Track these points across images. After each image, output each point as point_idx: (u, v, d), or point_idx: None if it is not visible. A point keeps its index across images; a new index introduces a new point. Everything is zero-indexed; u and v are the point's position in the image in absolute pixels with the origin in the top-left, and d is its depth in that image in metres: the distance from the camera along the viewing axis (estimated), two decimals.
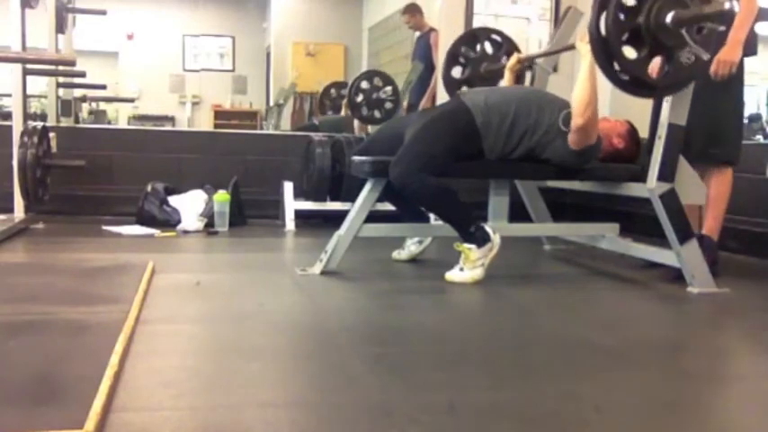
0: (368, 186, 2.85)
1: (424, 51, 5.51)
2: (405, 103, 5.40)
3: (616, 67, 2.44)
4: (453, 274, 2.74)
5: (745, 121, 5.76)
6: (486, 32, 3.73)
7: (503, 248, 2.77)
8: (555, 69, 3.81)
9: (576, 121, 2.69)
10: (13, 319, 1.98)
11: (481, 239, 2.73)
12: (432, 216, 3.25)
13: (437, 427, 1.35)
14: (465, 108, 2.80)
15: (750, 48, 2.88)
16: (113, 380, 1.46)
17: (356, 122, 5.52)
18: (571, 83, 3.29)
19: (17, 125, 3.89)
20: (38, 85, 5.38)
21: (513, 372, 1.75)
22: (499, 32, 3.70)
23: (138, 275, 2.51)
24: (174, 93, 7.72)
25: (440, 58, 4.93)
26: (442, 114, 2.89)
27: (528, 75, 3.69)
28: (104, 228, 3.89)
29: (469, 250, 2.72)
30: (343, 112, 6.38)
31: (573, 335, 2.12)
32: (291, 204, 4.30)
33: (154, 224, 3.98)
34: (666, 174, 2.67)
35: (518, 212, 3.34)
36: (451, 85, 3.63)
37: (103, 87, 5.61)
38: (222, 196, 4.04)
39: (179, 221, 4.01)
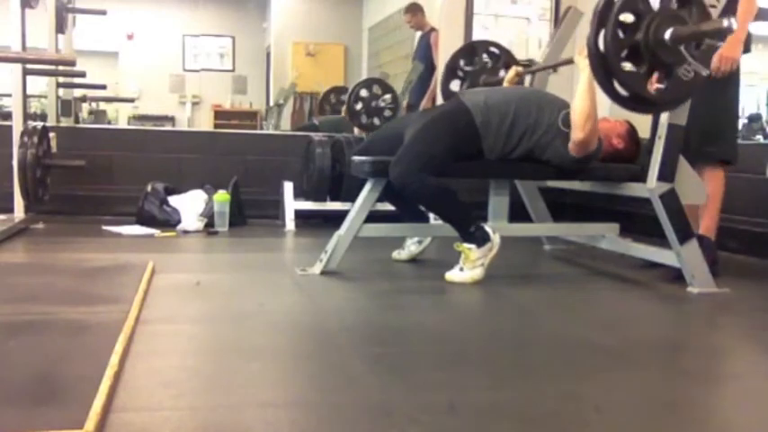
0: (368, 186, 2.85)
1: (424, 51, 5.51)
2: (404, 103, 5.40)
3: (615, 83, 2.44)
4: (453, 274, 2.74)
5: (745, 120, 5.78)
6: (484, 45, 3.74)
7: (503, 248, 2.77)
8: (554, 69, 3.81)
9: (577, 134, 2.70)
10: (13, 319, 1.98)
11: (481, 239, 2.73)
12: (431, 216, 3.25)
13: (437, 427, 1.35)
14: (465, 108, 2.80)
15: (744, 45, 2.88)
16: (113, 380, 1.46)
17: None
18: (571, 83, 3.31)
19: (17, 125, 3.89)
20: (38, 85, 5.38)
21: (513, 372, 1.75)
22: (497, 45, 3.71)
23: (138, 275, 2.51)
24: (174, 93, 7.72)
25: (440, 58, 4.94)
26: (441, 114, 2.89)
27: (527, 75, 3.69)
28: (104, 228, 3.89)
29: (469, 250, 2.72)
30: (343, 113, 6.38)
31: (573, 335, 2.12)
32: (291, 204, 4.30)
33: (154, 224, 3.98)
34: (666, 174, 2.67)
35: (518, 212, 3.34)
36: (449, 98, 3.63)
37: (103, 87, 5.61)
38: (222, 196, 4.04)
39: (179, 221, 4.01)
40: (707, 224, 2.95)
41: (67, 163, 4.17)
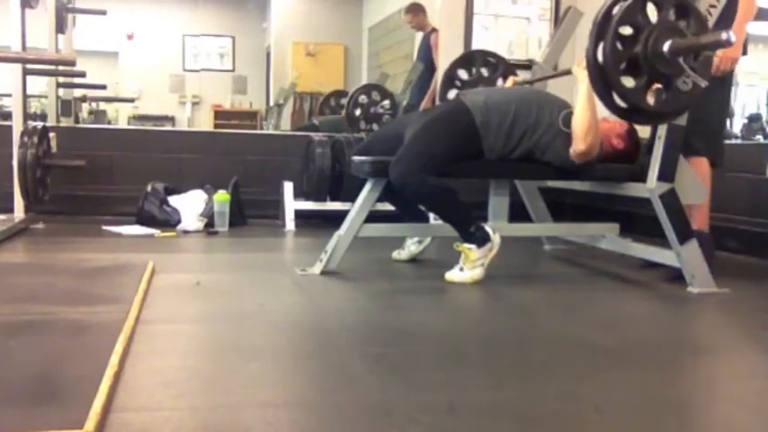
0: (368, 186, 2.85)
1: (425, 52, 5.51)
2: (404, 103, 5.40)
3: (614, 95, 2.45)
4: (453, 274, 2.74)
5: (745, 120, 5.78)
6: (481, 55, 3.76)
7: (503, 248, 2.77)
8: (555, 69, 3.81)
9: (578, 146, 2.71)
10: (13, 319, 1.98)
11: (481, 239, 2.73)
12: (431, 216, 3.25)
13: (437, 427, 1.35)
14: (465, 108, 2.80)
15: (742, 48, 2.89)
16: (113, 380, 1.46)
17: None
18: (571, 83, 3.30)
19: (17, 125, 3.89)
20: (38, 85, 5.38)
21: (513, 372, 1.75)
22: (495, 54, 3.72)
23: (138, 275, 2.51)
24: (174, 93, 7.71)
25: (440, 59, 4.94)
26: (441, 114, 2.89)
27: (528, 75, 3.70)
28: (104, 228, 3.89)
29: (469, 250, 2.72)
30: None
31: (573, 335, 2.12)
32: (291, 204, 4.30)
33: (154, 224, 3.98)
34: (666, 174, 2.67)
35: (518, 212, 3.34)
36: None
37: (103, 87, 5.61)
38: (222, 196, 4.04)
39: (179, 221, 4.01)
40: (699, 218, 2.94)
41: (67, 163, 4.18)
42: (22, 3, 3.81)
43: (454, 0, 4.91)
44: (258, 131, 7.07)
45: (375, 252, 3.25)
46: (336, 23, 7.81)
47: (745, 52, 2.95)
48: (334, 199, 4.31)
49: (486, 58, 3.70)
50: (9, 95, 4.12)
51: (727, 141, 4.84)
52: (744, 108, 5.80)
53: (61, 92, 5.14)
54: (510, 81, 3.45)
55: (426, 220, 3.21)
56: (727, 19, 2.68)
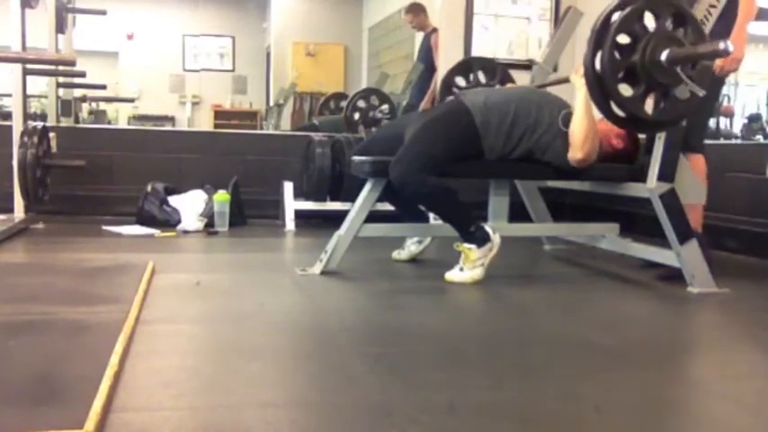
0: (368, 186, 2.85)
1: (425, 52, 5.51)
2: (404, 103, 5.41)
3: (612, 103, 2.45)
4: (453, 274, 2.74)
5: (745, 120, 5.77)
6: (479, 61, 3.76)
7: (503, 248, 2.77)
8: (555, 69, 3.81)
9: (576, 154, 2.73)
10: (13, 319, 1.99)
11: (481, 239, 2.73)
12: (431, 216, 3.25)
13: (437, 427, 1.35)
14: (465, 108, 2.80)
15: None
16: (113, 380, 1.46)
17: None
18: (571, 84, 3.30)
19: (17, 125, 3.89)
20: (38, 85, 5.37)
21: (513, 372, 1.75)
22: (492, 61, 3.72)
23: (138, 275, 2.51)
24: (174, 93, 7.71)
25: (440, 59, 4.95)
26: (441, 114, 2.89)
27: (527, 77, 3.70)
28: (104, 228, 3.89)
29: (469, 250, 2.72)
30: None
31: (573, 335, 2.12)
32: (291, 204, 4.30)
33: (154, 224, 3.98)
34: (666, 174, 2.67)
35: (518, 212, 3.34)
36: None
37: (103, 87, 5.61)
38: (222, 196, 4.04)
39: (179, 221, 4.01)
40: (693, 218, 2.93)
41: (67, 163, 4.17)
42: (22, 3, 3.81)
43: (454, 0, 4.91)
44: (258, 131, 7.07)
45: (375, 252, 3.25)
46: (336, 23, 7.81)
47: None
48: (334, 199, 4.31)
49: (483, 64, 3.71)
50: (9, 95, 4.12)
51: (727, 141, 4.87)
52: (744, 108, 5.79)
53: (61, 92, 5.13)
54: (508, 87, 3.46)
55: (426, 220, 3.21)
56: (726, 19, 2.68)
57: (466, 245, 2.73)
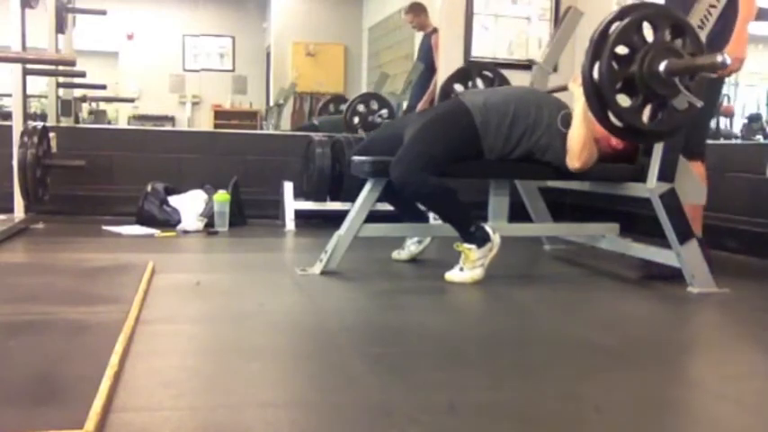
0: (368, 186, 2.85)
1: (426, 52, 5.50)
2: (405, 104, 5.41)
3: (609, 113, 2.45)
4: (453, 274, 2.74)
5: (745, 120, 5.77)
6: (477, 68, 3.76)
7: (503, 248, 2.77)
8: (555, 69, 3.81)
9: (573, 163, 2.75)
10: (13, 319, 1.99)
11: (481, 239, 2.73)
12: (431, 216, 3.25)
13: (437, 427, 1.35)
14: (464, 108, 2.80)
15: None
16: (113, 380, 1.46)
17: None
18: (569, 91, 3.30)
19: (17, 125, 3.89)
20: (38, 85, 5.38)
21: (513, 372, 1.75)
22: (491, 68, 3.73)
23: (138, 275, 2.51)
24: (174, 93, 7.71)
25: (440, 59, 4.95)
26: (441, 114, 2.89)
27: (528, 76, 3.70)
28: (104, 228, 3.89)
29: (469, 250, 2.72)
30: None
31: (573, 335, 2.12)
32: (291, 204, 4.30)
33: (154, 224, 3.98)
34: (666, 174, 2.67)
35: (518, 212, 3.34)
36: None
37: (103, 87, 5.61)
38: (222, 196, 4.04)
39: (179, 221, 4.01)
40: (692, 217, 2.94)
41: (67, 163, 4.17)
42: (22, 3, 3.81)
43: (454, 0, 4.91)
44: (258, 131, 7.08)
45: (375, 252, 3.25)
46: (336, 23, 7.81)
47: None
48: (334, 199, 4.31)
49: (481, 71, 3.71)
50: (9, 95, 4.12)
51: (727, 141, 4.86)
52: (744, 108, 5.79)
53: (61, 92, 5.14)
54: None
55: (426, 220, 3.21)
56: (726, 19, 2.68)
57: (466, 245, 2.73)
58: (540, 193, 3.57)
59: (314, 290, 2.59)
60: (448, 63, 4.65)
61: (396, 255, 3.23)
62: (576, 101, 2.73)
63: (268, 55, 7.85)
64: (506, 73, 3.78)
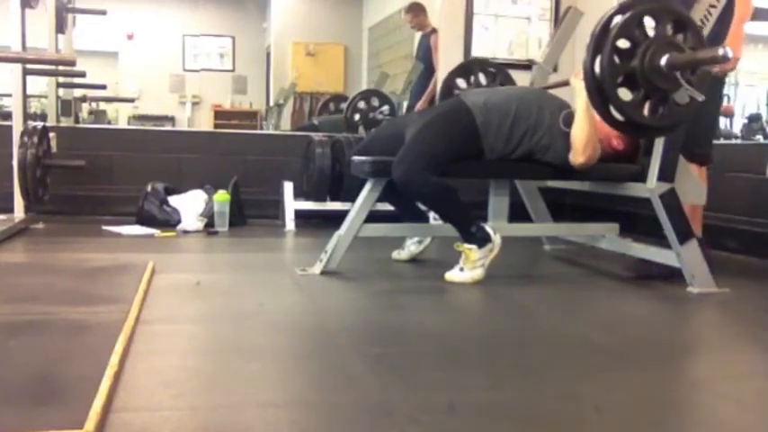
0: (368, 186, 2.84)
1: (424, 53, 5.51)
2: (405, 104, 5.41)
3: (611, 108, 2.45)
4: (453, 275, 2.74)
5: (745, 120, 5.78)
6: (480, 64, 3.75)
7: (503, 248, 2.77)
8: (555, 69, 3.81)
9: (577, 159, 2.74)
10: (13, 319, 1.98)
11: (482, 240, 2.73)
12: (431, 216, 3.25)
13: (437, 427, 1.35)
14: (465, 108, 2.80)
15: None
16: (113, 380, 1.46)
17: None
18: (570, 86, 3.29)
19: (17, 125, 3.89)
20: (38, 85, 5.37)
21: (513, 372, 1.75)
22: (493, 64, 3.72)
23: (138, 275, 2.51)
24: (174, 93, 7.71)
25: (440, 60, 4.95)
26: (442, 114, 2.89)
27: (528, 75, 3.70)
28: (104, 228, 3.89)
29: (470, 250, 2.72)
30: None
31: (573, 335, 2.12)
32: (291, 204, 4.30)
33: (154, 224, 3.98)
34: (666, 174, 2.67)
35: (518, 212, 3.34)
36: None
37: (103, 87, 5.61)
38: (222, 196, 4.04)
39: (179, 221, 4.01)
40: (692, 217, 2.94)
41: (67, 163, 4.17)
42: (22, 3, 3.81)
43: (454, 0, 4.91)
44: (258, 131, 7.07)
45: (375, 252, 3.25)
46: (336, 23, 7.81)
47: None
48: (334, 199, 4.31)
49: (484, 66, 3.71)
50: (9, 95, 4.12)
51: (727, 141, 4.86)
52: (744, 108, 5.79)
53: (61, 92, 5.13)
54: None
55: (426, 220, 3.21)
56: (725, 19, 2.69)
57: (466, 245, 2.73)
58: (540, 193, 3.57)
59: (314, 290, 2.59)
60: (448, 63, 4.64)
61: (396, 255, 3.22)
62: (578, 95, 2.72)
63: (268, 55, 7.85)
64: None
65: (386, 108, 5.13)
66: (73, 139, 4.45)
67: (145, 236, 3.77)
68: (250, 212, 4.37)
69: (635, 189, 2.84)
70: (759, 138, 5.57)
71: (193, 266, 3.23)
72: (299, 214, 4.29)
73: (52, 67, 4.46)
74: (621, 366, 1.83)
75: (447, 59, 4.76)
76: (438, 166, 2.71)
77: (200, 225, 3.99)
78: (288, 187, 4.35)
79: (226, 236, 3.93)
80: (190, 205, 4.10)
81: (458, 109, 2.83)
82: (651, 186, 2.68)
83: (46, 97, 5.23)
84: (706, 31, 2.54)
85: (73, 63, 3.63)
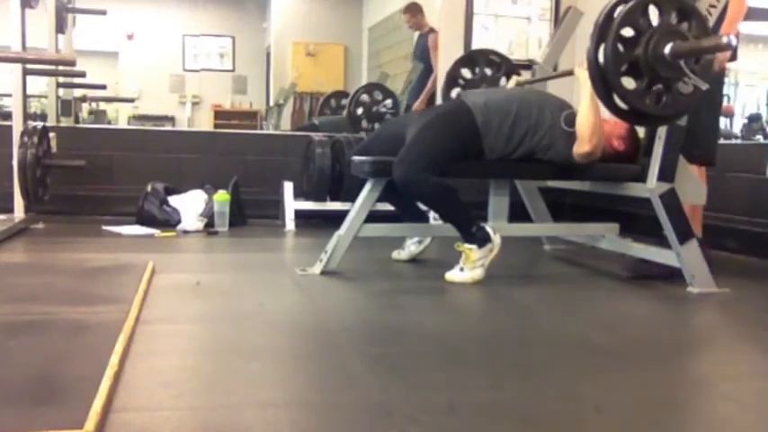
0: (368, 186, 2.84)
1: (422, 52, 5.51)
2: (404, 104, 5.40)
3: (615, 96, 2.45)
4: (453, 275, 2.74)
5: (745, 120, 5.77)
6: (484, 54, 3.74)
7: (503, 248, 2.77)
8: (555, 69, 3.81)
9: (583, 147, 2.73)
10: (13, 319, 1.99)
11: (482, 240, 2.73)
12: (431, 216, 3.25)
13: (437, 427, 1.35)
14: (466, 108, 2.80)
15: (732, 53, 2.87)
16: (113, 380, 1.46)
17: None
18: (570, 83, 3.30)
19: (17, 125, 3.89)
20: (38, 85, 5.37)
21: (513, 372, 1.75)
22: (498, 53, 3.71)
23: (138, 275, 2.51)
24: (174, 93, 7.71)
25: (439, 59, 4.94)
26: (443, 114, 2.89)
27: (529, 75, 3.69)
28: (104, 228, 3.89)
29: (470, 250, 2.72)
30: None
31: (573, 335, 2.12)
32: (291, 204, 4.30)
33: (154, 224, 3.98)
34: (666, 174, 2.67)
35: (518, 212, 3.34)
36: None
37: (103, 87, 5.61)
38: (222, 196, 4.04)
39: (179, 221, 4.01)
40: (692, 218, 2.94)
41: (67, 163, 4.17)
42: (22, 3, 3.81)
43: (454, 0, 4.91)
44: (258, 131, 7.07)
45: (375, 252, 3.25)
46: (336, 23, 7.81)
47: (735, 57, 2.94)
48: (334, 199, 4.31)
49: (489, 57, 3.69)
50: (9, 95, 4.12)
51: (727, 141, 4.86)
52: (744, 108, 5.79)
53: (61, 92, 5.14)
54: (513, 80, 3.45)
55: (426, 220, 3.21)
56: (721, 20, 2.68)
57: (466, 245, 2.73)
58: (540, 193, 3.57)
59: (314, 290, 2.59)
60: (448, 63, 4.64)
61: (396, 255, 3.22)
62: (583, 85, 2.72)
63: (268, 55, 7.85)
64: None
65: (389, 101, 5.12)
66: (73, 139, 4.45)
67: (145, 236, 3.77)
68: (250, 212, 4.37)
69: (635, 189, 2.84)
70: (759, 138, 5.57)
71: (193, 266, 3.23)
72: (299, 214, 4.29)
73: (52, 67, 4.47)
74: (621, 366, 1.83)
75: (447, 59, 4.75)
76: (438, 166, 2.71)
77: (200, 225, 3.99)
78: (288, 187, 4.35)
79: (226, 236, 3.93)
80: (190, 205, 4.10)
81: (458, 109, 2.84)
82: (651, 186, 2.68)
83: (46, 97, 5.23)
84: None
85: (73, 63, 3.63)
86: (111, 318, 1.94)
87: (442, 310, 2.49)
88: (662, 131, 2.67)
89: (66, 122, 5.04)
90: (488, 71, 3.64)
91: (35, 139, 3.79)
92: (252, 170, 4.59)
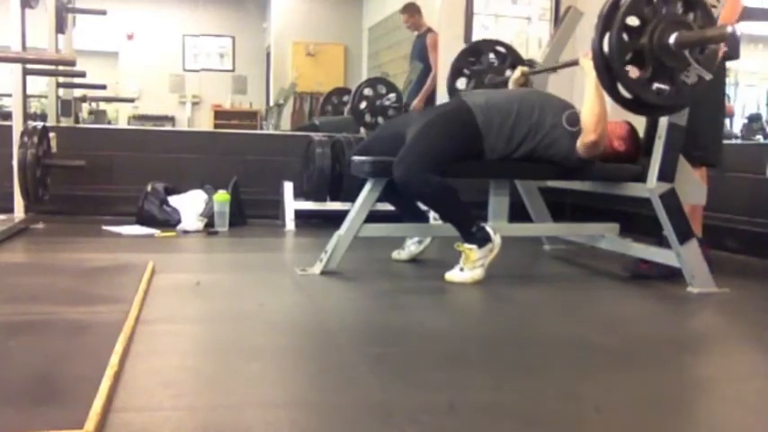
0: (368, 186, 2.84)
1: (420, 52, 5.52)
2: (404, 103, 5.41)
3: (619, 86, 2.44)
4: (453, 275, 2.74)
5: (745, 120, 5.78)
6: (489, 45, 3.73)
7: (503, 248, 2.77)
8: (555, 70, 3.81)
9: (589, 137, 2.72)
10: (13, 319, 1.98)
11: (482, 240, 2.73)
12: (431, 216, 3.24)
13: (437, 427, 1.36)
14: (466, 108, 2.80)
15: (733, 51, 2.87)
16: (113, 380, 1.46)
17: None
18: (570, 83, 3.30)
19: (17, 125, 3.89)
20: (38, 85, 5.38)
21: (513, 372, 1.75)
22: (503, 44, 3.70)
23: (138, 275, 2.51)
24: (174, 93, 7.72)
25: (440, 59, 4.94)
26: (443, 114, 2.89)
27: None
28: (104, 228, 3.89)
29: (470, 250, 2.72)
30: (345, 114, 6.39)
31: (573, 335, 2.12)
32: (291, 204, 4.30)
33: (154, 224, 3.98)
34: (666, 174, 2.67)
35: (518, 212, 3.34)
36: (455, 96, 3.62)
37: (103, 87, 5.61)
38: (222, 196, 4.04)
39: (179, 221, 4.01)
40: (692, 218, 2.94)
41: (67, 163, 4.17)
42: (22, 3, 3.81)
43: (454, 0, 4.91)
44: (258, 131, 7.08)
45: (375, 252, 3.25)
46: (336, 23, 7.81)
47: (737, 56, 2.94)
48: (334, 199, 4.31)
49: (494, 47, 3.68)
50: (9, 95, 4.12)
51: (727, 141, 4.86)
52: (744, 108, 5.80)
53: (61, 92, 5.14)
54: (518, 71, 3.42)
55: (426, 220, 3.21)
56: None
57: (467, 245, 2.73)
58: (540, 193, 3.57)
59: (314, 290, 2.59)
60: (448, 63, 4.64)
61: (396, 255, 3.22)
62: (587, 75, 2.71)
63: (268, 55, 7.86)
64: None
65: (393, 95, 5.11)
66: (73, 139, 4.45)
67: (145, 236, 3.77)
68: (250, 212, 4.37)
69: (635, 189, 2.84)
70: (759, 138, 5.57)
71: (193, 266, 3.23)
72: (299, 214, 4.29)
73: (52, 67, 4.47)
74: (621, 366, 1.83)
75: (447, 59, 4.75)
76: (439, 166, 2.71)
77: (200, 225, 3.99)
78: (288, 187, 4.35)
79: (226, 236, 3.93)
80: (190, 205, 4.10)
81: (459, 109, 2.84)
82: (651, 186, 2.68)
83: (46, 97, 5.23)
84: None
85: (73, 63, 3.63)
86: (111, 318, 1.94)
87: (443, 310, 2.50)
88: (662, 131, 2.67)
89: (66, 122, 5.04)
90: (494, 62, 3.62)
91: (35, 139, 3.79)
92: (252, 170, 4.59)
